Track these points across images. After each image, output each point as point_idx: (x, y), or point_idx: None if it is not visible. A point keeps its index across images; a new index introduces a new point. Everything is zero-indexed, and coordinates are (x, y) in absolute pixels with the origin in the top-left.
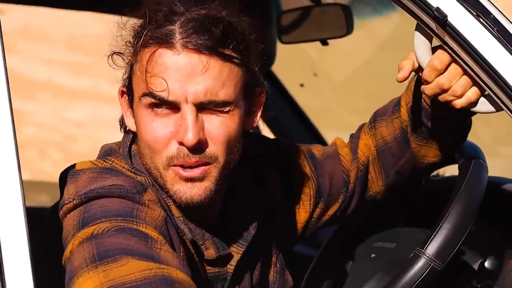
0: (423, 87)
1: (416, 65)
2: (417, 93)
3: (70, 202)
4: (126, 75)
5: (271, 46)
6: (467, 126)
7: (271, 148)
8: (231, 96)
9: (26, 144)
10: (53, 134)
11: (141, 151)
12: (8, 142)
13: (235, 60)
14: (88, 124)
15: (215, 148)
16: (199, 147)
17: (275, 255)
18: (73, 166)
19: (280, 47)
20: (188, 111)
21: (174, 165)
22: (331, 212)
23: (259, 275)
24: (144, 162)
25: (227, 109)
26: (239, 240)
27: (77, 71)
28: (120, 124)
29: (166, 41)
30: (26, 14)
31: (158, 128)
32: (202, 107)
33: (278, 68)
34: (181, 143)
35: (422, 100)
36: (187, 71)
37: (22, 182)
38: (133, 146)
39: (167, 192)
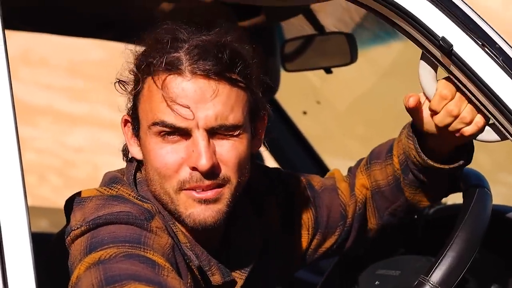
0: (433, 118)
1: (423, 98)
2: (407, 145)
3: (77, 228)
4: (130, 104)
5: (274, 74)
6: (459, 175)
7: (273, 179)
8: (240, 119)
9: (25, 170)
10: (53, 160)
11: (150, 178)
12: (14, 168)
13: (241, 85)
14: (87, 150)
15: (227, 171)
16: (212, 171)
17: (273, 284)
18: (78, 193)
19: (284, 75)
20: (199, 136)
21: (186, 189)
22: (328, 244)
23: None
24: (152, 189)
25: (236, 132)
26: (241, 266)
27: (76, 97)
28: (123, 153)
29: (174, 68)
30: (26, 40)
31: (168, 155)
32: (212, 132)
33: (282, 95)
34: (193, 168)
35: (412, 155)
36: (196, 97)
37: (27, 207)
38: (137, 174)
39: (178, 217)
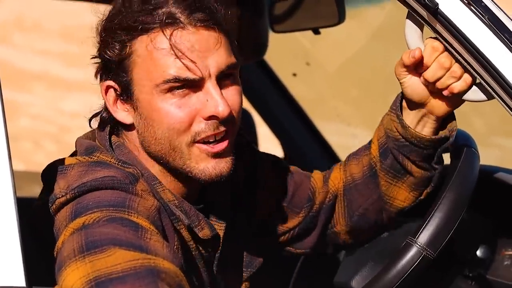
0: (423, 74)
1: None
2: (389, 121)
3: (62, 196)
4: (111, 68)
5: (263, 35)
6: (440, 163)
7: (243, 143)
8: (235, 58)
9: (20, 136)
10: (48, 126)
11: (156, 137)
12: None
13: (230, 31)
14: (83, 115)
15: (235, 116)
16: (228, 117)
17: (249, 237)
18: (58, 161)
19: (273, 36)
20: (211, 85)
21: (198, 142)
22: (291, 224)
23: (236, 254)
24: (156, 149)
25: (236, 73)
26: (218, 220)
27: (71, 62)
28: (92, 119)
29: (172, 23)
30: (19, 4)
31: (181, 108)
32: (220, 78)
33: (271, 57)
34: (210, 118)
35: (394, 128)
36: (202, 47)
37: (13, 173)
38: (112, 138)
39: (183, 172)
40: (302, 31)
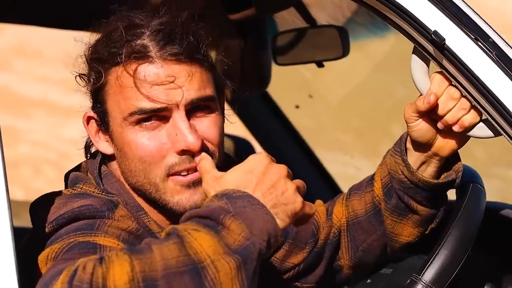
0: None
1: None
2: (393, 162)
3: (42, 230)
4: (92, 99)
5: (266, 67)
6: (446, 201)
7: None
8: (213, 92)
9: (20, 162)
10: (48, 152)
11: (131, 169)
12: None
13: (207, 63)
14: (83, 142)
15: (211, 147)
16: (200, 149)
17: None
18: (43, 196)
19: (275, 69)
20: (179, 117)
21: (173, 174)
22: (295, 259)
23: None
24: (133, 181)
25: (213, 105)
26: None
27: (71, 89)
28: (85, 150)
29: (143, 56)
30: (21, 32)
31: (151, 141)
32: (190, 110)
33: (274, 89)
34: (181, 152)
35: (400, 171)
36: (169, 80)
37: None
38: (102, 167)
39: (162, 206)
40: (305, 64)
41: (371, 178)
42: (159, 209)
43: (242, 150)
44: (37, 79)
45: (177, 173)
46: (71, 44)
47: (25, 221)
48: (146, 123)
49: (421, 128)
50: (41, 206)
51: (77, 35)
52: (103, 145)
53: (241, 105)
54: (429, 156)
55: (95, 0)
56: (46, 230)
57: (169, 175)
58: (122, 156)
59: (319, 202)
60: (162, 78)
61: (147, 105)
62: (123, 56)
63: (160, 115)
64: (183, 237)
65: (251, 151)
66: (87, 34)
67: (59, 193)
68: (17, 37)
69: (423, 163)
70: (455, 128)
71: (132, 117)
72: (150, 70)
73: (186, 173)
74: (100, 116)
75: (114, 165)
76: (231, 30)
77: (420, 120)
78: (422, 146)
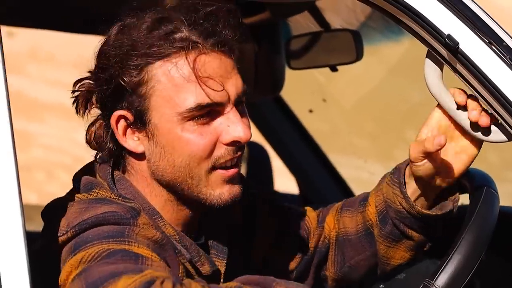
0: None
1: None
2: (390, 192)
3: (63, 234)
4: (125, 94)
5: (279, 71)
6: (439, 226)
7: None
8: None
9: (33, 166)
10: (62, 156)
11: (174, 165)
12: (9, 167)
13: (238, 55)
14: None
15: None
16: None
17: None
18: (58, 200)
19: (289, 73)
20: (232, 110)
21: (218, 167)
22: (288, 267)
23: None
24: (169, 178)
25: (245, 100)
26: (218, 255)
27: None
28: (97, 154)
29: (190, 47)
30: (34, 36)
31: (203, 136)
32: (235, 104)
33: (287, 93)
34: (230, 143)
35: (397, 202)
36: (222, 71)
37: (22, 204)
38: (114, 172)
39: (200, 199)
40: (319, 68)
41: (365, 199)
42: (180, 207)
43: (256, 155)
44: (50, 83)
45: (221, 166)
46: (84, 48)
47: (38, 225)
48: (201, 119)
49: (426, 169)
50: (57, 210)
51: (90, 39)
52: (133, 144)
53: (255, 109)
54: (427, 189)
55: (108, 4)
56: (68, 234)
57: (214, 168)
58: (165, 152)
59: (309, 208)
60: (216, 69)
61: (204, 100)
62: (170, 48)
63: (214, 110)
64: None
65: (265, 155)
66: (99, 37)
67: (74, 197)
68: (30, 41)
69: (420, 195)
70: (473, 132)
71: (189, 113)
72: (202, 61)
73: (229, 166)
74: (137, 113)
75: (134, 165)
76: (245, 34)
77: (427, 160)
78: (422, 180)
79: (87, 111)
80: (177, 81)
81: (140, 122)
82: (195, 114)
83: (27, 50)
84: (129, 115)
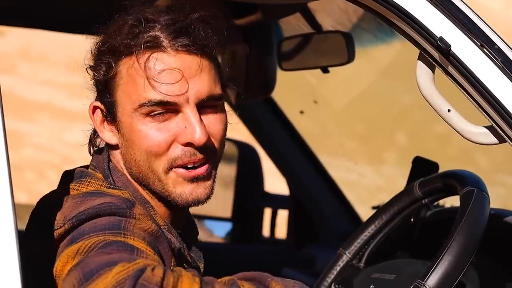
0: None
1: None
2: None
3: (60, 227)
4: (99, 89)
5: (271, 73)
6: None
7: None
8: (221, 90)
9: (23, 166)
10: (51, 156)
11: (135, 159)
12: (1, 164)
13: (216, 60)
14: (86, 146)
15: (215, 144)
16: (205, 145)
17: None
18: (51, 194)
19: (280, 74)
20: (191, 111)
21: (176, 167)
22: None
23: None
24: (136, 172)
25: (220, 103)
26: (197, 251)
27: (75, 93)
28: (90, 145)
29: (155, 47)
30: (25, 35)
31: (159, 133)
32: (200, 106)
33: (278, 95)
34: (187, 144)
35: None
36: (183, 72)
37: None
38: (110, 163)
39: (164, 198)
40: (310, 69)
41: None
42: (161, 201)
43: (246, 155)
44: (41, 83)
45: (181, 166)
46: (76, 48)
47: None
48: (158, 115)
49: None
50: (52, 204)
51: (82, 39)
52: (107, 135)
53: (246, 110)
54: None
55: (100, 4)
56: (66, 226)
57: (171, 167)
58: (128, 146)
59: None
60: (174, 68)
61: (157, 96)
62: (135, 46)
63: (171, 108)
64: None
65: (255, 156)
66: (91, 37)
67: (67, 190)
68: (22, 41)
69: None
70: None
71: (143, 109)
72: (162, 60)
73: (191, 167)
74: (108, 106)
75: (117, 155)
76: (237, 35)
77: None
78: None
79: None
80: (136, 77)
81: (110, 115)
82: (151, 109)
83: (18, 49)
84: (102, 107)
